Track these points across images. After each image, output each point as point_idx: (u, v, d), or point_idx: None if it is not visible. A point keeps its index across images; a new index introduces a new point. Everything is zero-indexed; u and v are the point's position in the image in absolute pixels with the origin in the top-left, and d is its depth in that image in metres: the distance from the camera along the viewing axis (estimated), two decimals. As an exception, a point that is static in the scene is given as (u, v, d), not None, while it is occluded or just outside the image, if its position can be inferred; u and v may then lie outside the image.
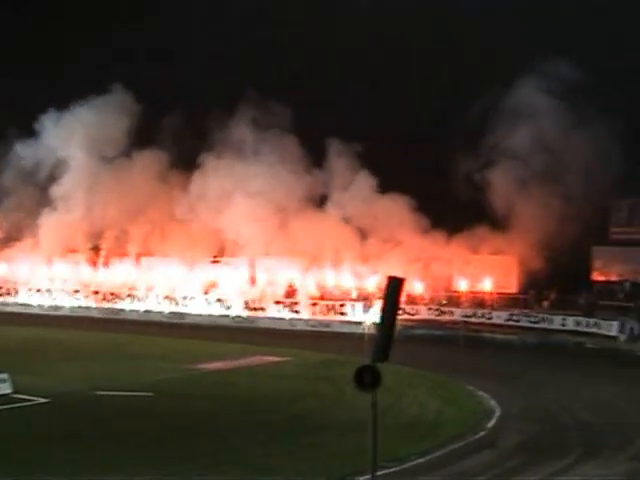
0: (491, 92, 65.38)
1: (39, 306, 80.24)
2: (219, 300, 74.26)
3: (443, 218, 69.29)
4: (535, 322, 64.60)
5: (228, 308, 73.57)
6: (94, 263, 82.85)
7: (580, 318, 62.92)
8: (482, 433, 33.76)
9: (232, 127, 76.02)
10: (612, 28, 65.52)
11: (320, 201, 74.03)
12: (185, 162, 77.66)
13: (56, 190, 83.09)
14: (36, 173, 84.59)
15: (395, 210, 71.05)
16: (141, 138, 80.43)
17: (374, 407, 20.12)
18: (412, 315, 66.77)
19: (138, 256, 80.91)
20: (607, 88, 62.18)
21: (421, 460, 29.25)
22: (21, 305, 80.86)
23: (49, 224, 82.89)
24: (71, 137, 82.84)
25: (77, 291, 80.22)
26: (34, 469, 27.09)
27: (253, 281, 75.45)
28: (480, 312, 67.07)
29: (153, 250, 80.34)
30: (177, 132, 77.17)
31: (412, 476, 27.51)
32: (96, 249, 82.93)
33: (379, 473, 21.58)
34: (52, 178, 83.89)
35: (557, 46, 64.84)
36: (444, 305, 68.91)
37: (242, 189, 74.11)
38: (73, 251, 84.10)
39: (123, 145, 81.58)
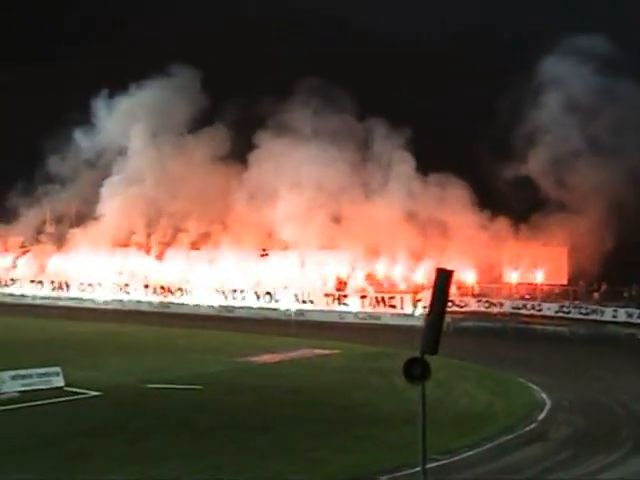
0: (526, 71, 65.82)
1: (91, 300, 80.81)
2: (268, 293, 74.36)
3: (495, 209, 69.24)
4: (586, 314, 64.02)
5: (277, 301, 73.64)
6: (147, 252, 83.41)
7: (632, 309, 62.34)
8: (532, 425, 33.55)
9: (289, 111, 76.14)
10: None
11: (373, 191, 73.96)
12: (242, 150, 77.92)
13: (114, 177, 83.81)
14: (95, 160, 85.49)
15: (450, 201, 70.87)
16: (200, 123, 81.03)
17: (423, 399, 20.04)
18: (461, 307, 66.51)
19: (191, 248, 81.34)
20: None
21: (471, 453, 29.14)
22: (73, 299, 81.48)
23: (108, 211, 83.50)
24: (131, 122, 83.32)
25: (128, 285, 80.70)
26: (86, 462, 27.35)
27: (303, 274, 75.43)
28: (530, 304, 66.64)
29: (207, 242, 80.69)
30: (236, 117, 77.50)
31: (462, 469, 27.39)
32: (150, 237, 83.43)
33: (429, 466, 21.47)
34: (111, 164, 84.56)
35: (590, 21, 65.04)
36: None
37: (294, 179, 74.28)
38: (125, 245, 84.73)
39: (183, 130, 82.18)
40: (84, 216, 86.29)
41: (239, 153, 78.39)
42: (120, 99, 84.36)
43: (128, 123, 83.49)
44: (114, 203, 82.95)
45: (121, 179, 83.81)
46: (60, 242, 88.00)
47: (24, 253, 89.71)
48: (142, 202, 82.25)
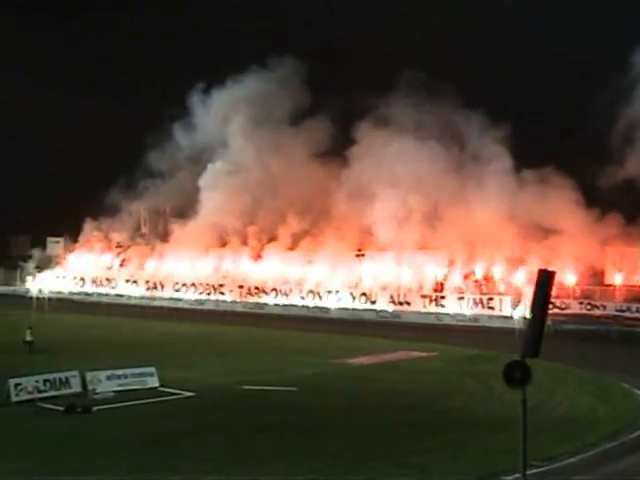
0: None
1: (185, 300, 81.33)
2: (364, 294, 73.81)
3: (600, 209, 67.99)
4: (693, 317, 62.29)
5: (373, 302, 73.05)
6: (246, 245, 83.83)
7: None
8: (638, 432, 32.37)
9: (390, 105, 75.74)
10: None
11: (470, 188, 72.97)
12: (342, 145, 77.77)
13: (216, 163, 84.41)
14: (196, 155, 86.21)
15: (552, 199, 69.57)
16: (302, 116, 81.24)
17: (524, 404, 19.35)
18: (563, 309, 65.10)
19: (287, 249, 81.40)
20: None
21: (573, 460, 28.18)
22: (168, 300, 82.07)
23: (208, 203, 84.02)
24: (231, 115, 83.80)
25: (222, 285, 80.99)
26: (182, 462, 27.15)
27: (399, 275, 74.72)
28: (635, 306, 64.87)
29: (304, 241, 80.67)
30: (337, 111, 77.44)
31: (564, 476, 26.51)
32: (248, 233, 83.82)
33: (529, 472, 20.74)
34: (211, 158, 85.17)
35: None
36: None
37: (392, 177, 73.77)
38: (223, 241, 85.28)
39: (284, 123, 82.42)
40: (184, 209, 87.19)
41: (339, 148, 78.27)
42: (218, 93, 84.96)
43: (227, 116, 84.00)
44: (214, 196, 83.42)
45: (222, 165, 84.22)
46: (158, 240, 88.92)
47: (122, 252, 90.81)
48: (241, 196, 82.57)
